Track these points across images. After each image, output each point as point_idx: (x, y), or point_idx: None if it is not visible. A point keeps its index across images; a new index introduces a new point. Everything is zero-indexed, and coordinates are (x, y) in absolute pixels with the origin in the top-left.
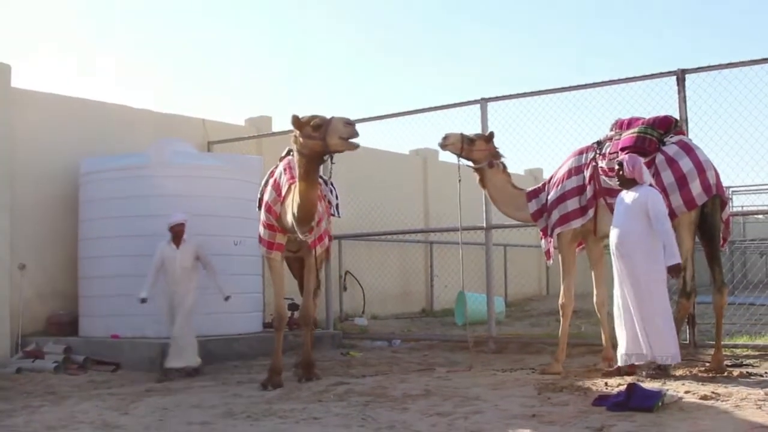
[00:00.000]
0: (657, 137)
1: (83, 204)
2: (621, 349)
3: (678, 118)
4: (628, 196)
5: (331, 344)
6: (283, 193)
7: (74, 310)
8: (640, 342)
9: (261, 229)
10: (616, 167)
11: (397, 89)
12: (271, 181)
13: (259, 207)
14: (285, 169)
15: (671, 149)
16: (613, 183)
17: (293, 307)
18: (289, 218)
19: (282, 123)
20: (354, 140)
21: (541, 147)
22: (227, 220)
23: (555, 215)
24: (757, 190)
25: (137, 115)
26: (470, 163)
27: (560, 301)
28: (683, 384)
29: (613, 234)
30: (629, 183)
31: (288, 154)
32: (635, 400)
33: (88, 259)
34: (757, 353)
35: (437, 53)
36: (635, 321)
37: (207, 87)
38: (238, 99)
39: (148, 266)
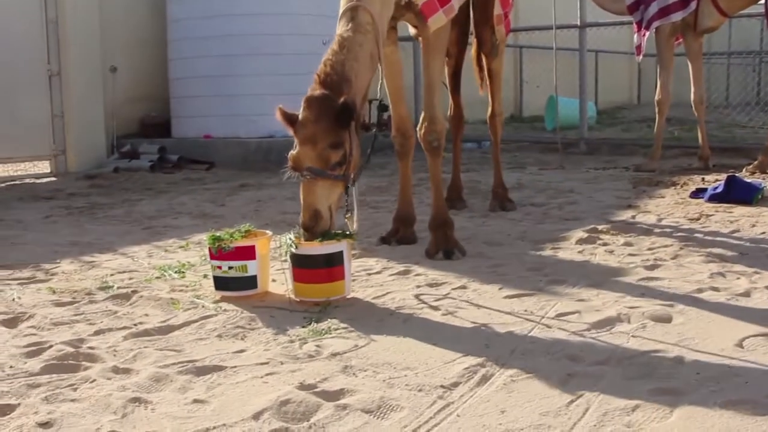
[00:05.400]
0: None
1: (171, 4)
2: None
3: None
4: None
5: (418, 146)
6: None
7: (166, 112)
8: None
9: None
10: None
11: None
12: None
13: None
14: None
15: None
16: None
17: (383, 108)
18: None
19: None
20: None
21: None
22: (315, 19)
23: (654, 8)
24: None
25: None
26: None
27: (656, 98)
28: None
29: None
30: None
31: None
32: (735, 192)
33: (177, 60)
34: None
35: None
36: None
37: None
38: None
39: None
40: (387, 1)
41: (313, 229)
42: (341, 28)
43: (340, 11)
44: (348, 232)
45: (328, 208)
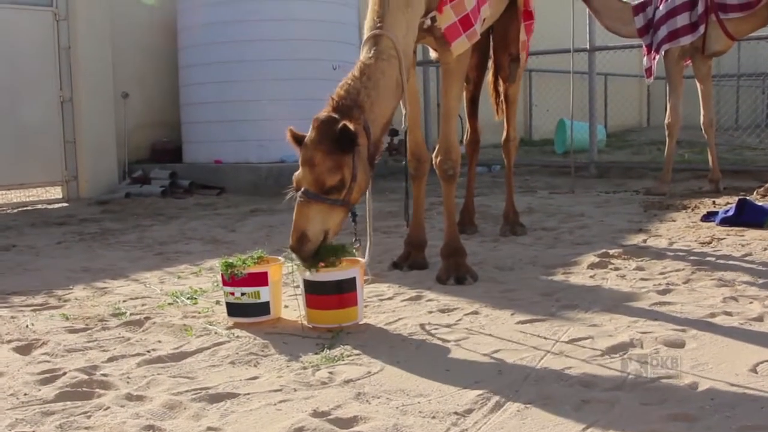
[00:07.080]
0: None
1: (181, 31)
2: None
3: None
4: None
5: (431, 170)
6: None
7: (177, 138)
8: None
9: None
10: None
11: None
12: None
13: None
14: None
15: None
16: None
17: (392, 132)
18: None
19: None
20: None
21: None
22: (325, 44)
23: (663, 31)
24: None
25: None
26: None
27: (666, 121)
28: None
29: None
30: None
31: None
32: (746, 215)
33: (189, 86)
34: None
35: None
36: None
37: None
38: None
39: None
40: (412, 26)
41: (299, 252)
42: (363, 55)
43: (363, 38)
44: (344, 245)
45: (321, 233)
